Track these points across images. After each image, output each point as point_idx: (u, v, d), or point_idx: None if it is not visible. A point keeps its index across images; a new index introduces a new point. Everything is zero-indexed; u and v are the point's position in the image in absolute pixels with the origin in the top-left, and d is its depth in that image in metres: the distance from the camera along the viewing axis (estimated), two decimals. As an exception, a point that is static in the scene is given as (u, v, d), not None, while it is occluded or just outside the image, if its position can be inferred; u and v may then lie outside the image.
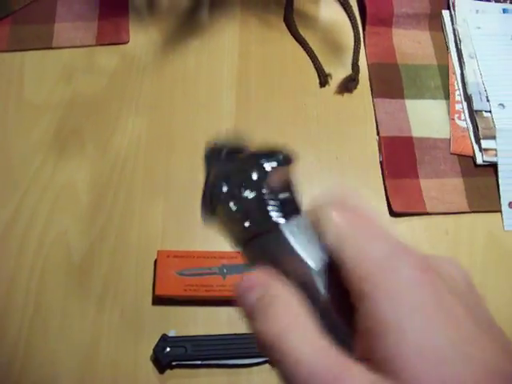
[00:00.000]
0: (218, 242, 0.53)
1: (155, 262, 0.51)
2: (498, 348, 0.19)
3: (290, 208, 0.25)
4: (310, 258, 0.23)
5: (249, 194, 0.25)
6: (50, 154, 0.56)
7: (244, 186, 0.25)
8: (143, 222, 0.54)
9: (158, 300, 0.50)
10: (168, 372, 0.48)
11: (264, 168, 0.24)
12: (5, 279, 0.50)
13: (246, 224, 0.25)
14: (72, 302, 0.50)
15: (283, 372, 0.20)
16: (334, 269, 0.23)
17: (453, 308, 0.20)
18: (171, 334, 0.48)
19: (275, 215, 0.24)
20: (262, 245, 0.25)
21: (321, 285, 0.23)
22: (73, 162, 0.56)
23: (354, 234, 0.22)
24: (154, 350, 0.47)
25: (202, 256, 0.50)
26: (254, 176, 0.24)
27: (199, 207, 0.27)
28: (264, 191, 0.24)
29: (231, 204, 0.25)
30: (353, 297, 0.21)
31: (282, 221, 0.24)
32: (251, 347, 0.47)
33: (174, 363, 0.47)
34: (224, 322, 0.50)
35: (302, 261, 0.23)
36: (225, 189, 0.25)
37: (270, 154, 0.25)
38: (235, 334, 0.48)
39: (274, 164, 0.25)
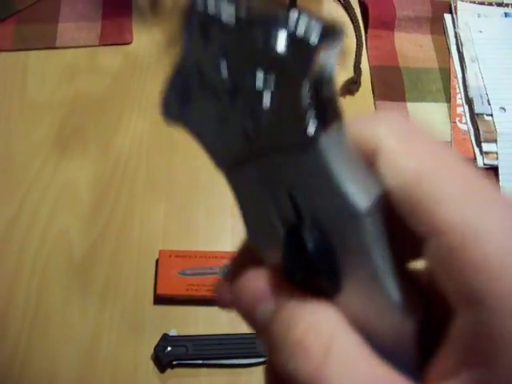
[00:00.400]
0: (219, 241, 0.53)
1: (157, 261, 0.51)
2: None
3: (331, 115, 0.15)
4: (359, 195, 0.15)
5: (269, 84, 0.15)
6: (52, 153, 0.56)
7: (260, 68, 0.15)
8: (145, 221, 0.54)
9: (159, 299, 0.50)
10: (169, 371, 0.48)
11: (306, 39, 0.14)
12: (6, 277, 0.50)
13: (251, 132, 0.15)
14: (73, 301, 0.50)
15: None
16: (392, 217, 0.15)
17: None
18: (172, 333, 0.48)
19: (311, 123, 0.14)
20: (276, 169, 0.15)
21: (371, 240, 0.15)
22: (75, 161, 0.56)
23: (450, 191, 0.14)
24: (154, 349, 0.47)
25: (203, 256, 0.50)
26: (282, 52, 0.14)
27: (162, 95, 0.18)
28: (298, 81, 0.14)
29: (236, 99, 0.15)
30: (451, 293, 0.15)
31: (319, 132, 0.15)
32: (252, 347, 0.47)
33: (174, 362, 0.47)
34: (225, 321, 0.50)
35: (345, 199, 0.15)
36: (224, 72, 0.15)
37: (313, 18, 0.14)
38: (236, 334, 0.48)
39: (320, 34, 0.14)
